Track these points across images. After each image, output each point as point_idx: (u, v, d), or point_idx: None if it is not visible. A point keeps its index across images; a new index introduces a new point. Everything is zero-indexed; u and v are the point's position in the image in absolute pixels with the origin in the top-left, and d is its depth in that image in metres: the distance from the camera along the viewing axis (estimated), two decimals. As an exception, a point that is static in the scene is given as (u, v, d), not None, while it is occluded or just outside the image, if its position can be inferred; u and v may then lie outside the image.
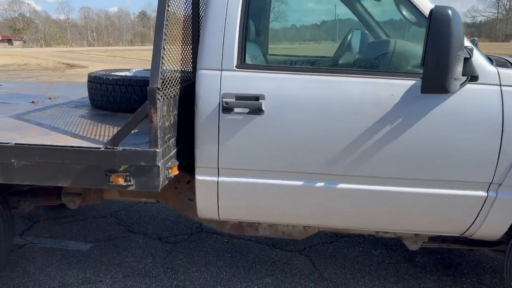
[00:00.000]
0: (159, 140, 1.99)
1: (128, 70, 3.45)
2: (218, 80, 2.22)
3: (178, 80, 2.25)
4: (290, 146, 2.19)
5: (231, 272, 3.01)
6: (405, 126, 2.08)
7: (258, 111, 2.18)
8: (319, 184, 2.24)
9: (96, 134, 2.26)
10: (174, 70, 2.22)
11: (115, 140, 2.01)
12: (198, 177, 2.33)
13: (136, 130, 2.31)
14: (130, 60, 27.64)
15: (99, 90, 2.97)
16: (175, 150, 2.26)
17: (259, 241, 3.45)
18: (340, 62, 2.91)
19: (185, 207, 2.86)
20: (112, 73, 3.14)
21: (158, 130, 1.98)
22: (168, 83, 2.09)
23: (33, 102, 3.25)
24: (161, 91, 2.00)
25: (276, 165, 2.24)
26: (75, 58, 34.21)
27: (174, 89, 2.19)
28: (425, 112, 2.06)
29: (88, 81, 3.08)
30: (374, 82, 2.14)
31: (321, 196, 2.26)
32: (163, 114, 2.04)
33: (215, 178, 2.31)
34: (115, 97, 2.90)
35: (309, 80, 2.18)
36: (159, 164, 2.01)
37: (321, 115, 2.14)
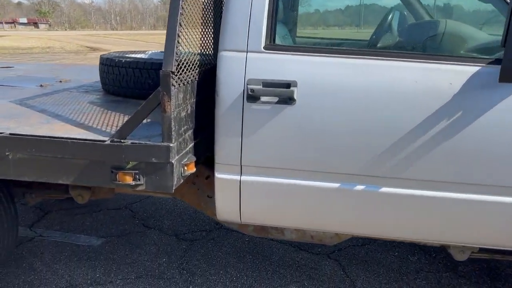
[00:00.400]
0: (173, 133, 1.70)
1: (143, 52, 3.17)
2: (243, 63, 1.90)
3: (196, 63, 1.95)
4: (326, 142, 1.87)
5: (252, 277, 2.74)
6: (467, 121, 1.73)
7: (289, 100, 1.86)
8: (359, 187, 1.92)
9: (103, 124, 1.99)
10: (192, 52, 1.92)
11: (123, 132, 1.72)
12: (218, 175, 2.04)
13: (149, 120, 2.03)
14: (152, 44, 27.51)
15: (111, 74, 2.69)
16: (193, 144, 1.97)
17: (283, 241, 3.16)
18: (379, 45, 2.56)
19: (203, 205, 2.59)
20: (126, 55, 2.86)
21: (173, 122, 1.68)
22: (184, 67, 1.79)
23: (41, 85, 3.01)
24: (177, 75, 1.70)
25: (308, 164, 1.92)
26: (98, 41, 34.30)
27: (191, 74, 1.89)
28: (493, 105, 1.70)
29: (100, 64, 2.80)
30: (428, 68, 1.79)
31: (361, 201, 1.94)
32: (179, 102, 1.75)
33: (237, 177, 2.02)
34: (128, 82, 2.63)
35: (353, 64, 1.84)
36: (173, 161, 1.72)
37: (365, 106, 1.81)
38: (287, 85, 1.86)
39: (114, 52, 3.06)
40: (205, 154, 2.22)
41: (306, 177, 1.96)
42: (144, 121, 1.80)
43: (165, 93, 1.65)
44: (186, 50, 1.84)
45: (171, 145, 1.70)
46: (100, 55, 2.84)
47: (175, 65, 1.66)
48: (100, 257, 2.95)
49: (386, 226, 2.01)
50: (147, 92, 2.64)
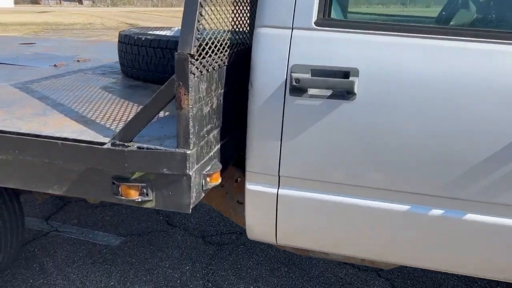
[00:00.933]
0: (191, 136, 1.28)
1: (169, 28, 2.75)
2: (286, 44, 1.45)
3: (225, 44, 1.51)
4: (397, 151, 1.40)
5: (288, 296, 2.33)
6: None
7: (346, 94, 1.40)
8: (437, 211, 1.44)
9: (110, 118, 1.60)
10: (220, 29, 1.48)
11: (126, 133, 1.32)
12: (249, 186, 1.62)
13: (167, 113, 1.62)
14: (191, 21, 27.07)
15: (130, 54, 2.30)
16: (219, 146, 1.55)
17: (324, 252, 2.72)
18: (453, 23, 2.04)
19: (232, 212, 2.19)
20: (147, 32, 2.45)
21: (191, 121, 1.26)
22: (209, 48, 1.35)
23: (55, 65, 2.66)
24: (198, 59, 1.26)
25: (369, 179, 1.46)
26: (138, 18, 34.31)
27: (218, 57, 1.45)
28: None
29: (118, 42, 2.41)
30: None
31: (437, 229, 1.46)
32: (201, 95, 1.32)
33: (274, 190, 1.59)
34: (148, 64, 2.22)
35: (438, 48, 1.34)
36: (190, 173, 1.31)
37: (454, 105, 1.32)
38: (346, 74, 1.39)
39: (134, 28, 2.66)
40: (236, 155, 1.80)
41: (365, 195, 1.50)
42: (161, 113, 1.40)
43: (180, 83, 1.23)
44: (212, 26, 1.41)
45: (188, 152, 1.28)
46: (119, 32, 2.45)
47: (195, 46, 1.22)
48: (117, 261, 2.63)
49: (466, 262, 1.53)
50: (170, 76, 2.24)
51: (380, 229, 1.53)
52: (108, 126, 1.51)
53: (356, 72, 1.39)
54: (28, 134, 1.37)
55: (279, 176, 1.56)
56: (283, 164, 1.53)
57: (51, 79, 2.23)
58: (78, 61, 2.86)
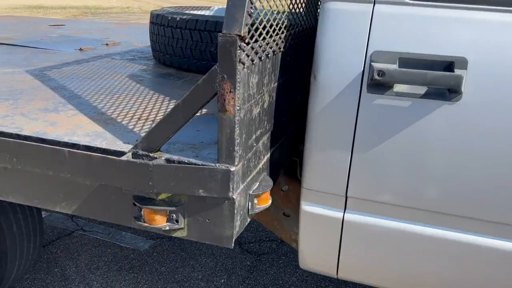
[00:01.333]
0: (237, 147, 0.94)
1: (208, 8, 2.41)
2: (366, 23, 1.08)
3: (282, 23, 1.15)
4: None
5: (338, 324, 1.99)
6: None
7: (448, 93, 1.02)
8: None
9: (134, 118, 1.28)
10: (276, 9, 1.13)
11: (152, 141, 1.00)
12: (305, 206, 1.27)
13: (205, 110, 1.30)
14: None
15: (163, 37, 1.98)
16: (269, 155, 1.21)
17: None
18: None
19: (277, 225, 1.87)
20: (183, 11, 2.12)
21: (237, 127, 0.92)
22: (263, 28, 1.00)
23: (80, 49, 2.38)
24: (249, 43, 0.92)
25: (480, 210, 1.09)
26: (177, 2, 34.21)
27: (274, 41, 1.10)
28: None
29: (150, 23, 2.10)
30: None
31: None
32: (251, 92, 0.98)
33: (339, 214, 1.23)
34: (183, 49, 1.90)
35: None
36: (234, 196, 0.97)
37: None
38: (449, 65, 1.01)
39: (168, 7, 2.34)
40: (288, 161, 1.47)
41: (466, 228, 1.13)
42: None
43: (225, 76, 0.89)
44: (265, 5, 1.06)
45: (233, 169, 0.95)
46: (151, 11, 2.13)
47: (246, 24, 0.87)
48: (144, 268, 2.36)
49: None
50: (209, 64, 1.91)
51: (487, 269, 1.15)
52: (131, 127, 1.20)
53: (463, 63, 1.00)
54: (28, 138, 1.07)
55: (346, 197, 1.21)
56: (353, 181, 1.17)
57: (73, 65, 1.95)
58: (106, 44, 2.58)
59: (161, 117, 1.26)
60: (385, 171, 1.14)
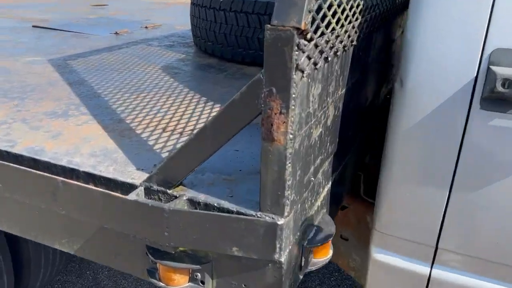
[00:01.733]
0: (287, 191, 0.64)
1: (257, -15, 2.08)
2: (480, 7, 0.73)
3: (357, 7, 0.82)
4: None
5: None
6: None
7: None
8: None
9: (159, 128, 1.01)
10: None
11: (170, 173, 0.72)
12: (376, 254, 0.96)
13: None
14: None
15: (204, 21, 1.69)
16: (330, 183, 0.90)
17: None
18: None
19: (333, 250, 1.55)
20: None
21: (289, 164, 0.62)
22: (333, 16, 0.68)
23: (116, 33, 2.15)
24: (312, 39, 0.60)
25: None
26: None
27: (346, 32, 0.77)
28: None
29: (191, 4, 1.82)
30: None
31: None
32: (310, 109, 0.67)
33: (424, 269, 0.91)
34: (228, 35, 1.60)
35: None
36: (281, 259, 0.68)
37: None
38: None
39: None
40: (350, 183, 1.16)
41: None
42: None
43: (274, 90, 0.58)
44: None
45: (281, 222, 0.65)
46: (192, -10, 1.84)
47: (309, 10, 0.56)
48: (181, 277, 2.14)
49: None
50: (257, 54, 1.60)
51: None
52: (151, 143, 0.92)
53: None
54: (19, 158, 0.82)
55: (436, 248, 0.88)
56: (448, 230, 0.84)
57: (102, 52, 1.71)
58: (146, 27, 2.33)
59: (190, 130, 0.98)
60: (496, 219, 0.80)
